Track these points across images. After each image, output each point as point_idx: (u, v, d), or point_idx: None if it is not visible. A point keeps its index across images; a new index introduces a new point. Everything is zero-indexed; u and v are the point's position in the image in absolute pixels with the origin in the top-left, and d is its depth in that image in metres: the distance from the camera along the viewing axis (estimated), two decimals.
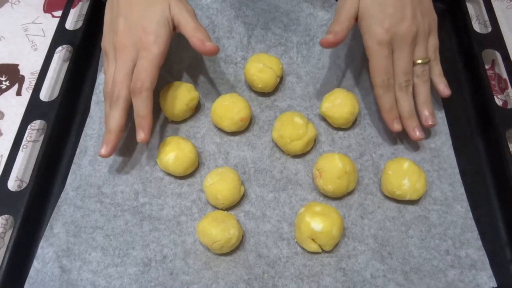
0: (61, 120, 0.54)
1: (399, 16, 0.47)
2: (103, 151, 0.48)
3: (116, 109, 0.48)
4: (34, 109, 0.53)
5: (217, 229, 0.43)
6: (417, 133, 0.49)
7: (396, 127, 0.50)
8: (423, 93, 0.50)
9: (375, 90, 0.49)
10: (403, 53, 0.48)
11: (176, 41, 0.56)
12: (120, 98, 0.48)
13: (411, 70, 0.49)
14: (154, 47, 0.47)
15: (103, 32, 0.53)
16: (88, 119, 0.55)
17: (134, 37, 0.48)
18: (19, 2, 0.69)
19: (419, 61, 0.49)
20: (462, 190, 0.48)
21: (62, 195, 0.49)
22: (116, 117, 0.48)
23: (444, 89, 0.51)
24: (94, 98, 0.56)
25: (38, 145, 0.53)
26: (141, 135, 0.48)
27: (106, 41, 0.51)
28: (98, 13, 0.54)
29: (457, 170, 0.50)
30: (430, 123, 0.50)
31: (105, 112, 0.50)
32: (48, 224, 0.48)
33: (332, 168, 0.46)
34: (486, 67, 0.56)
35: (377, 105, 0.51)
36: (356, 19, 0.49)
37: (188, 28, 0.49)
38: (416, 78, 0.50)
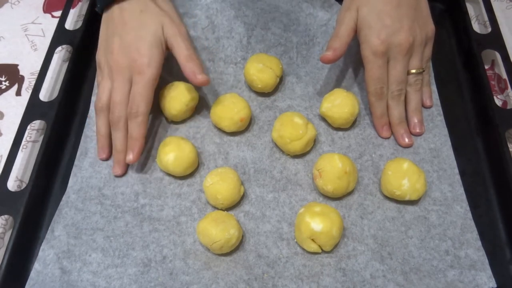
0: (60, 120, 0.54)
1: (396, 27, 0.49)
2: (119, 171, 0.50)
3: (119, 131, 0.50)
4: (34, 109, 0.53)
5: (217, 229, 0.43)
6: (405, 139, 0.51)
7: (385, 134, 0.52)
8: (414, 101, 0.52)
9: (368, 97, 0.52)
10: (398, 63, 0.50)
11: None
12: (121, 120, 0.50)
13: (405, 79, 0.51)
14: (148, 70, 0.49)
15: (98, 45, 0.54)
16: (88, 120, 0.55)
17: (129, 58, 0.49)
18: (19, 2, 0.69)
19: (413, 71, 0.51)
20: (461, 190, 0.49)
21: (64, 198, 0.50)
22: (121, 138, 0.50)
23: (427, 99, 0.54)
24: (93, 98, 0.56)
25: (38, 145, 0.53)
26: (129, 157, 0.49)
27: (100, 56, 0.53)
28: (97, 13, 0.54)
29: (456, 170, 0.50)
30: (418, 130, 0.52)
31: (97, 126, 0.52)
32: (50, 227, 0.48)
33: (332, 168, 0.46)
34: (486, 67, 0.56)
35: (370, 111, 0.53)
36: (356, 30, 0.50)
37: (181, 55, 0.50)
38: (409, 87, 0.52)
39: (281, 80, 0.57)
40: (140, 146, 0.49)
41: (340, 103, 0.51)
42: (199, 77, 0.49)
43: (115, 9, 0.51)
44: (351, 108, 0.51)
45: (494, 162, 0.50)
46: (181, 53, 0.50)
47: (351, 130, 0.54)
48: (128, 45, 0.50)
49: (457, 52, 0.60)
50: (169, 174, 0.51)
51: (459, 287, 0.43)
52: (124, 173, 0.51)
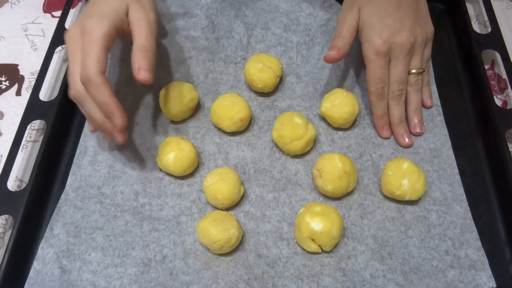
0: (60, 120, 0.54)
1: (398, 27, 0.49)
2: (120, 137, 0.45)
3: (87, 102, 0.44)
4: (34, 109, 0.53)
5: (217, 229, 0.43)
6: (405, 139, 0.52)
7: (385, 134, 0.52)
8: (414, 101, 0.52)
9: (369, 97, 0.52)
10: (399, 63, 0.50)
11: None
12: (80, 91, 0.44)
13: (406, 79, 0.51)
14: (96, 28, 0.43)
15: None
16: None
17: (80, 26, 0.44)
18: (19, 2, 0.69)
19: (414, 71, 0.51)
20: (461, 190, 0.49)
21: (62, 196, 0.49)
22: (94, 108, 0.44)
23: (427, 99, 0.54)
24: None
25: (38, 145, 0.53)
26: (116, 121, 0.43)
27: None
28: None
29: (456, 170, 0.50)
30: (418, 130, 0.52)
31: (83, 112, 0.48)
32: (48, 225, 0.48)
33: (332, 168, 0.46)
34: (486, 67, 0.56)
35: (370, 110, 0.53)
36: (358, 30, 0.50)
37: (136, 42, 0.45)
38: (410, 87, 0.52)
39: (281, 80, 0.57)
40: (116, 107, 0.42)
41: (340, 103, 0.51)
42: (142, 74, 0.43)
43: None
44: (351, 108, 0.51)
45: (494, 162, 0.50)
46: (139, 39, 0.44)
47: (351, 130, 0.54)
48: (84, 18, 0.45)
49: (457, 52, 0.60)
50: (169, 174, 0.51)
51: (459, 287, 0.43)
52: (125, 139, 0.45)
